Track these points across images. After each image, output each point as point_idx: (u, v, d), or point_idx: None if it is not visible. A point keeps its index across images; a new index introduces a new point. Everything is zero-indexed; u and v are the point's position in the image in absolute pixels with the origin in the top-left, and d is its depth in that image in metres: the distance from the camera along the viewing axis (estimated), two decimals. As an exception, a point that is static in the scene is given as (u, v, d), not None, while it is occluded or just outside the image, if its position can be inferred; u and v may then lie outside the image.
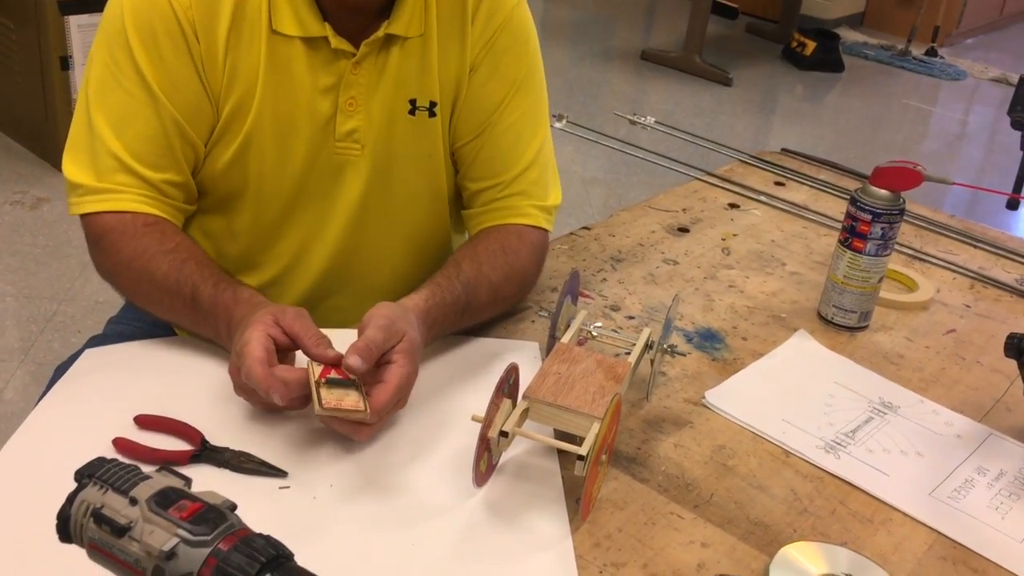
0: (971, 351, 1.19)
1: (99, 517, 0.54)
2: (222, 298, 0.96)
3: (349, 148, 1.07)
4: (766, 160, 1.70)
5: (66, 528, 0.56)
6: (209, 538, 0.52)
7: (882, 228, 1.14)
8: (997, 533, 0.90)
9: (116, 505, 0.54)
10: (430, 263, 1.20)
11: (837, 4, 5.77)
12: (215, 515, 0.54)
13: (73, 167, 1.02)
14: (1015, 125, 2.00)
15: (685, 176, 1.65)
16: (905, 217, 1.17)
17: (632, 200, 3.31)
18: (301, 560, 0.54)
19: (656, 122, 1.89)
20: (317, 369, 0.86)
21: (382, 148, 1.09)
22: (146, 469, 0.57)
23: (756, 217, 1.48)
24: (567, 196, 1.21)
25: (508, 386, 0.88)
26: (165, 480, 0.55)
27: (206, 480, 0.83)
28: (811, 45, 5.08)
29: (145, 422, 0.90)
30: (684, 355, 1.09)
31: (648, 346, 1.02)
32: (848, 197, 1.17)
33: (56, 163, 3.02)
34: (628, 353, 1.01)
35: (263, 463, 0.86)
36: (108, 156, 1.00)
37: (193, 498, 0.54)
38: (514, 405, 0.89)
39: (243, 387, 0.90)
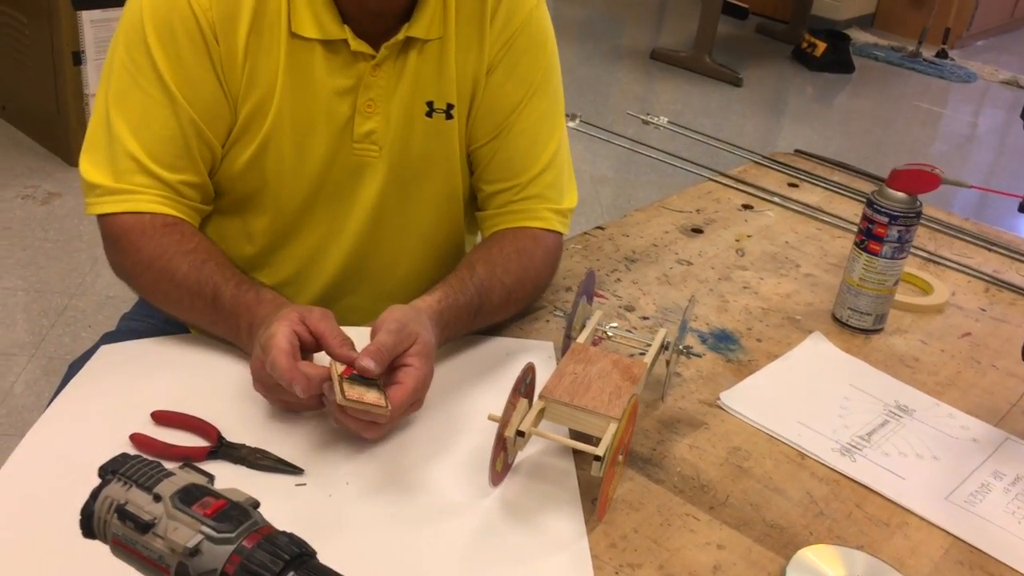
0: (986, 355, 1.19)
1: (123, 513, 0.54)
2: (244, 299, 0.96)
3: (367, 150, 1.07)
4: (779, 161, 1.69)
5: (90, 524, 0.56)
6: (233, 535, 0.52)
7: (899, 231, 1.14)
8: (1014, 538, 0.89)
9: (140, 501, 0.54)
10: (444, 264, 1.20)
11: (848, 5, 5.76)
12: (239, 512, 0.54)
13: (91, 167, 1.02)
14: (1028, 128, 1.99)
15: (695, 176, 1.64)
16: (920, 220, 1.16)
17: (641, 200, 3.31)
18: (318, 558, 0.54)
19: (669, 122, 1.89)
20: (340, 367, 0.87)
21: (399, 150, 1.09)
22: (168, 465, 0.57)
23: (770, 218, 1.48)
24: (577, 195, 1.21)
25: (525, 386, 0.88)
26: (189, 477, 0.56)
27: (222, 477, 0.83)
28: (821, 46, 5.06)
29: (162, 418, 0.90)
30: (699, 356, 1.09)
31: (664, 347, 1.02)
32: (862, 199, 1.17)
33: (68, 158, 3.03)
34: (643, 354, 1.01)
35: (280, 460, 0.86)
36: (126, 157, 1.00)
37: (217, 495, 0.54)
38: (530, 405, 0.89)
39: (262, 381, 0.90)
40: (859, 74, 5.14)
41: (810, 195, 1.57)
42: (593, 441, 0.84)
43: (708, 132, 1.99)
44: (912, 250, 1.29)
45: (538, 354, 1.06)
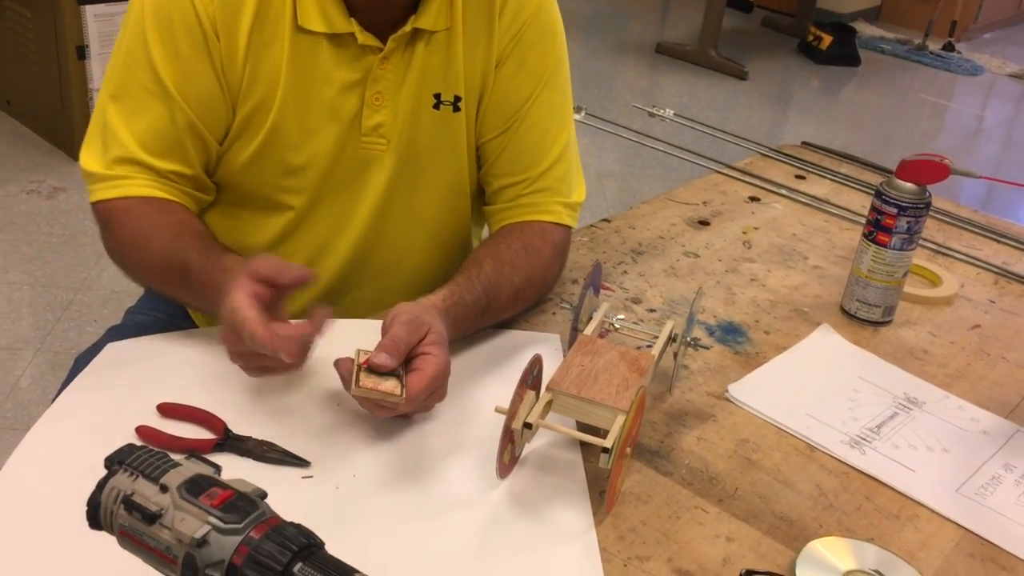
0: (996, 347, 1.18)
1: (130, 504, 0.53)
2: (210, 270, 0.95)
3: (375, 143, 1.07)
4: (786, 153, 1.68)
5: (96, 515, 0.55)
6: (241, 526, 0.52)
7: (907, 222, 1.13)
8: (1025, 530, 0.89)
9: (147, 492, 0.54)
10: (451, 257, 1.19)
11: (853, -2, 5.75)
12: (246, 503, 0.53)
13: (87, 156, 1.04)
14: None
15: (701, 169, 1.64)
16: (929, 211, 1.15)
17: (647, 193, 3.30)
18: (326, 549, 0.54)
19: (675, 115, 1.88)
20: (362, 356, 0.86)
21: (406, 142, 1.08)
22: (175, 457, 0.57)
23: (777, 211, 1.47)
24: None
25: (532, 378, 0.88)
26: (195, 467, 0.55)
27: (229, 469, 0.83)
28: (827, 39, 5.05)
29: (168, 410, 0.90)
30: (707, 348, 1.08)
31: (671, 339, 1.01)
32: (869, 191, 1.17)
33: (72, 153, 3.03)
34: (650, 346, 1.00)
35: (286, 452, 0.86)
36: (118, 146, 1.01)
37: (224, 486, 0.54)
38: (537, 397, 0.88)
39: (238, 353, 0.88)
40: (865, 67, 5.13)
41: (817, 187, 1.57)
42: (601, 433, 0.84)
43: (713, 125, 1.98)
44: (921, 242, 1.28)
45: (545, 346, 1.06)
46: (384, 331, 0.89)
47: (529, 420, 0.84)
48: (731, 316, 1.18)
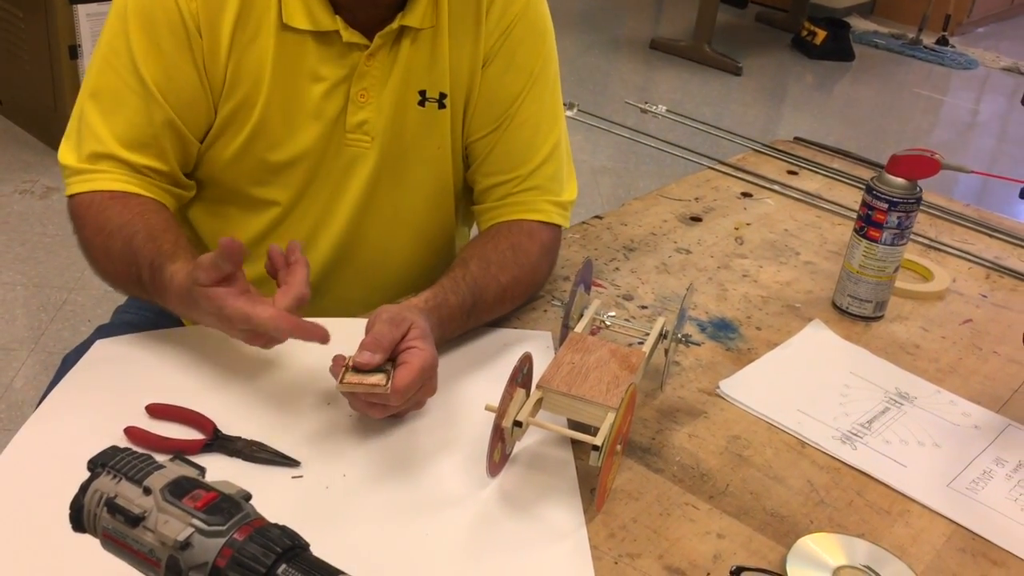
0: (988, 341, 1.18)
1: (113, 507, 0.53)
2: (155, 281, 0.94)
3: (359, 140, 1.06)
4: (779, 149, 1.68)
5: (79, 518, 0.55)
6: (224, 528, 0.52)
7: (898, 217, 1.13)
8: (1016, 524, 0.89)
9: (130, 495, 0.53)
10: (436, 256, 1.19)
11: (847, -7, 5.74)
12: (230, 505, 0.53)
13: (64, 150, 1.04)
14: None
15: (694, 165, 1.63)
16: (920, 206, 1.15)
17: (641, 189, 3.30)
18: (315, 550, 0.54)
19: (667, 111, 1.88)
20: (350, 359, 0.87)
21: (391, 139, 1.08)
22: (159, 458, 0.57)
23: (769, 206, 1.47)
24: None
25: (522, 376, 0.87)
26: (179, 469, 0.55)
27: (218, 470, 0.83)
28: (821, 34, 5.05)
29: (157, 411, 0.89)
30: (698, 345, 1.08)
31: (662, 335, 1.01)
32: (862, 186, 1.16)
33: (65, 152, 3.02)
34: (641, 342, 1.00)
35: (276, 453, 0.86)
36: (93, 140, 1.01)
37: (207, 487, 0.54)
38: (528, 395, 0.88)
39: (244, 335, 0.88)
40: (859, 62, 5.13)
41: (809, 182, 1.56)
42: (591, 431, 0.84)
43: (708, 121, 1.98)
44: (912, 236, 1.28)
45: (536, 344, 1.05)
46: (367, 332, 0.89)
47: (519, 418, 0.84)
48: (723, 312, 1.18)
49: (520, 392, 0.87)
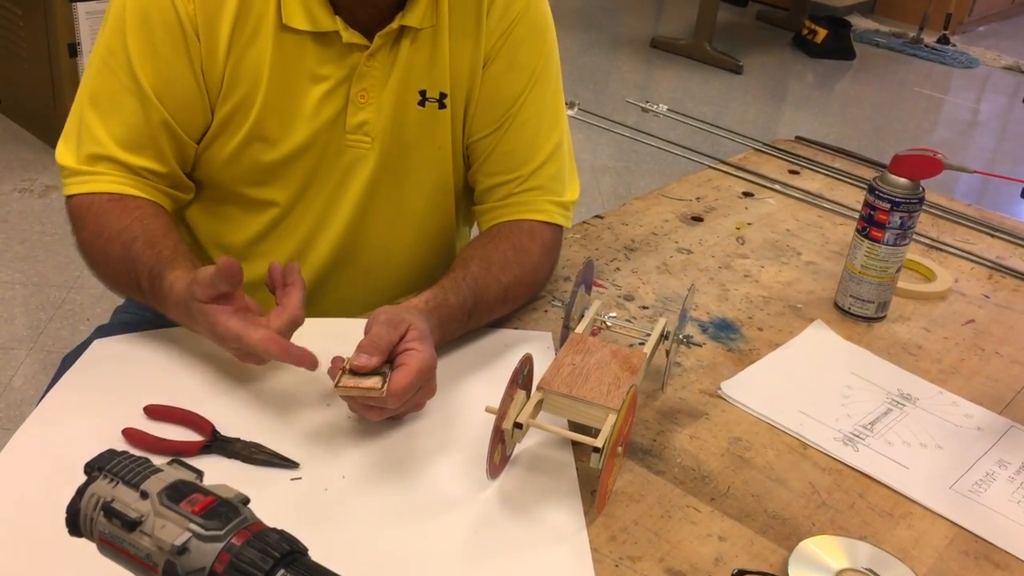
0: (990, 342, 1.17)
1: (109, 511, 0.53)
2: (155, 290, 0.94)
3: (360, 141, 1.06)
4: (780, 148, 1.68)
5: (76, 522, 0.54)
6: (222, 533, 0.51)
7: (901, 217, 1.12)
8: (1019, 527, 0.88)
9: (127, 499, 0.53)
10: (436, 256, 1.19)
11: (848, -9, 5.73)
12: (227, 509, 0.52)
13: (62, 150, 1.04)
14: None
15: (695, 164, 1.63)
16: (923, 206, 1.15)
17: (641, 189, 3.29)
18: (313, 552, 0.53)
19: (669, 110, 1.87)
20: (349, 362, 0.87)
21: (391, 139, 1.07)
22: (157, 461, 0.56)
23: (771, 206, 1.46)
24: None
25: (523, 377, 0.87)
26: (176, 473, 0.54)
27: (216, 471, 0.82)
28: (822, 33, 5.04)
29: (155, 412, 0.89)
30: (700, 345, 1.07)
31: (663, 336, 1.00)
32: (864, 186, 1.16)
33: (64, 151, 3.01)
34: (642, 343, 1.00)
35: (274, 454, 0.85)
36: (91, 141, 1.01)
37: (205, 492, 0.53)
38: (528, 396, 0.88)
39: (246, 357, 0.90)
40: (860, 61, 5.12)
41: (811, 182, 1.56)
42: (592, 432, 0.83)
43: (708, 120, 1.97)
44: (914, 236, 1.28)
45: (536, 345, 1.05)
46: (365, 334, 0.88)
47: (520, 420, 0.84)
48: (724, 312, 1.17)
49: (521, 393, 0.87)
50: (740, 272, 1.27)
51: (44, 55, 2.94)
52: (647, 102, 1.87)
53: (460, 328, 1.01)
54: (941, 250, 1.39)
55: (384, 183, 1.10)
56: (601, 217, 1.37)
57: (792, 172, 1.59)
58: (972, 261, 1.37)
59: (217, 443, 0.86)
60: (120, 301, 1.25)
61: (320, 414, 0.91)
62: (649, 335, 1.00)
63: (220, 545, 0.51)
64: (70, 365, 0.98)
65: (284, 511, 0.79)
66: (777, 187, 1.52)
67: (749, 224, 1.40)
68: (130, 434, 0.85)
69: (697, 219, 1.40)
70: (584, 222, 1.35)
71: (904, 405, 1.03)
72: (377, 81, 1.04)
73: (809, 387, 1.05)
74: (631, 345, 1.01)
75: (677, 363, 1.06)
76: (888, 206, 1.12)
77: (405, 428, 0.91)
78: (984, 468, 0.95)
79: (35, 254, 2.58)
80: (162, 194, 1.05)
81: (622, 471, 0.90)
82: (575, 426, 0.88)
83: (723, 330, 1.14)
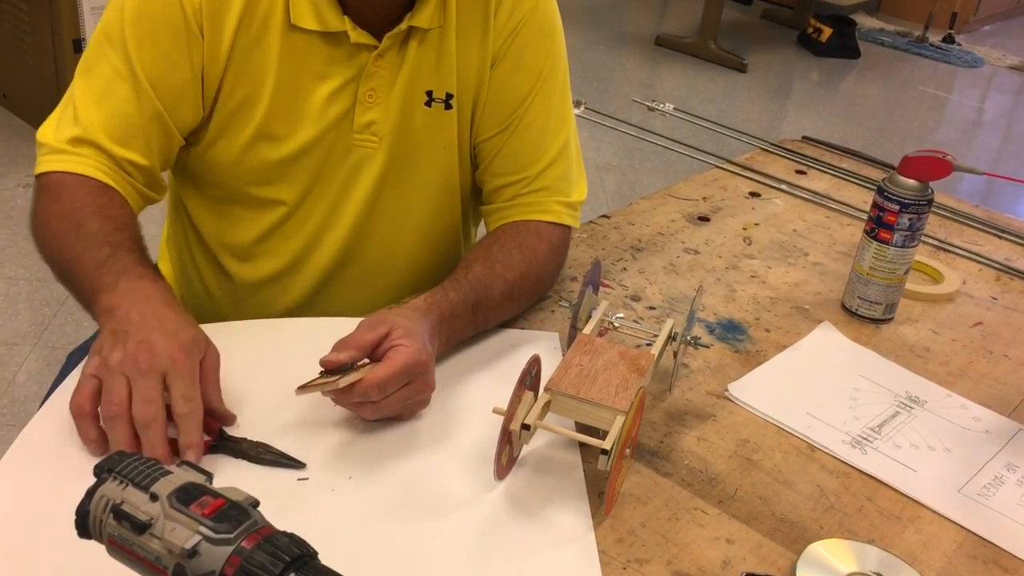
0: (998, 344, 1.17)
1: (119, 513, 0.52)
2: (108, 263, 0.92)
3: (367, 140, 1.06)
4: (787, 148, 1.67)
5: (85, 524, 0.54)
6: (232, 536, 0.51)
7: (910, 219, 1.12)
8: (1028, 532, 0.88)
9: (136, 501, 0.53)
10: (442, 257, 1.18)
11: (853, -10, 5.72)
12: (238, 512, 0.52)
13: (46, 128, 1.01)
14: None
15: (701, 164, 1.62)
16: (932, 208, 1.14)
17: (646, 187, 3.29)
18: (320, 553, 0.53)
19: (675, 109, 1.87)
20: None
21: (398, 139, 1.07)
22: (166, 463, 0.56)
23: (777, 206, 1.46)
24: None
25: (530, 378, 0.87)
26: (186, 475, 0.54)
27: (223, 471, 0.82)
28: (827, 31, 5.03)
29: (162, 411, 0.88)
30: (707, 347, 1.07)
31: (671, 337, 1.00)
32: (871, 186, 1.15)
33: (68, 146, 3.01)
34: (649, 344, 0.99)
35: (281, 454, 0.85)
36: (79, 125, 0.99)
37: (215, 494, 0.53)
38: (536, 397, 0.87)
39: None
40: (865, 59, 5.11)
41: (818, 182, 1.55)
42: (600, 434, 0.83)
43: (713, 118, 1.97)
44: (922, 238, 1.27)
45: (543, 345, 1.05)
46: None
47: (527, 421, 0.83)
48: (731, 314, 1.17)
49: (528, 395, 0.86)
50: (747, 273, 1.26)
51: (49, 50, 2.94)
52: (654, 101, 1.86)
53: (467, 325, 1.01)
54: (949, 251, 1.38)
55: (390, 183, 1.09)
56: (608, 217, 1.37)
57: (799, 172, 1.59)
58: (980, 263, 1.36)
59: (223, 443, 0.85)
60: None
61: (327, 415, 0.91)
62: (656, 336, 0.99)
63: (230, 548, 0.51)
64: (76, 362, 0.97)
65: (290, 512, 0.78)
66: (784, 187, 1.52)
67: (756, 224, 1.39)
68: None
69: (704, 219, 1.39)
70: (591, 222, 1.35)
71: (912, 408, 1.03)
72: (385, 81, 1.03)
73: (817, 389, 1.04)
74: (638, 346, 1.01)
75: (684, 364, 1.06)
76: (897, 208, 1.12)
77: (412, 428, 0.91)
78: (993, 471, 0.95)
79: (39, 250, 2.58)
80: (136, 193, 1.03)
81: (629, 473, 0.89)
82: (583, 428, 0.88)
83: (730, 331, 1.13)
